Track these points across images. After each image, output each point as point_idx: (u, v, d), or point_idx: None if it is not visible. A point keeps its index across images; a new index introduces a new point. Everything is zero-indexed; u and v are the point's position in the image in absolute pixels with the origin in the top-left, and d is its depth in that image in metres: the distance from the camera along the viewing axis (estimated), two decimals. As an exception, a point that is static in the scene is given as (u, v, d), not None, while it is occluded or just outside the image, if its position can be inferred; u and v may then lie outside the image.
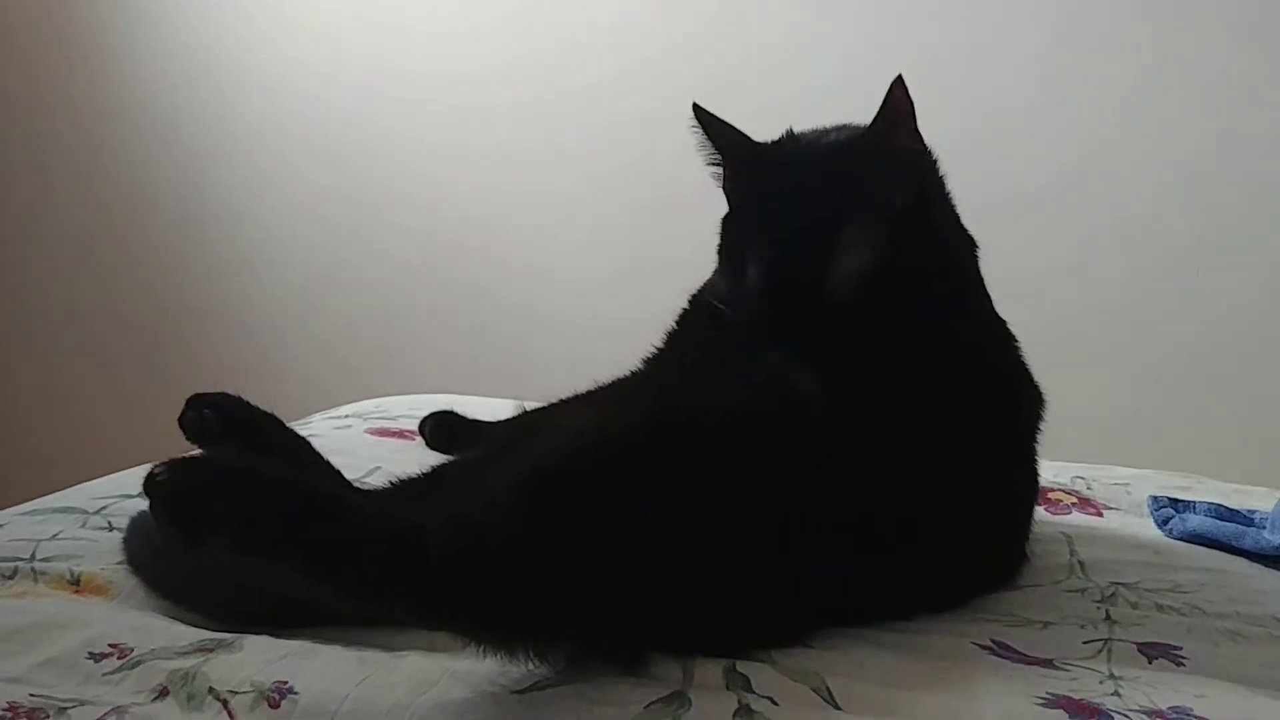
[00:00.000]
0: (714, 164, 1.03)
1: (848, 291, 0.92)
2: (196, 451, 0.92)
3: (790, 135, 1.03)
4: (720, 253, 1.03)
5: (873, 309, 0.93)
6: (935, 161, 1.03)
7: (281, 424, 0.98)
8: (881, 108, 0.95)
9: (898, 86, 0.94)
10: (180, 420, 0.93)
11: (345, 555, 0.66)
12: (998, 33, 1.96)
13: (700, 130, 1.01)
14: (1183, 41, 1.87)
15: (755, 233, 0.97)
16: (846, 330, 0.92)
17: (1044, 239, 1.92)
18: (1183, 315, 1.91)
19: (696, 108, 1.01)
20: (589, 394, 1.09)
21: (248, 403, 0.95)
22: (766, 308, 0.95)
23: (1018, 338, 1.05)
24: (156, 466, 0.63)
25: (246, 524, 0.63)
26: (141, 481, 0.64)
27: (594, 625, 0.74)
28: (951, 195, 1.04)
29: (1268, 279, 1.87)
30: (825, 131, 1.02)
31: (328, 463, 0.98)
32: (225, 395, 0.94)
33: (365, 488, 1.01)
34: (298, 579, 0.67)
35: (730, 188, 1.02)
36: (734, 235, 1.01)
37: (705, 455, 0.81)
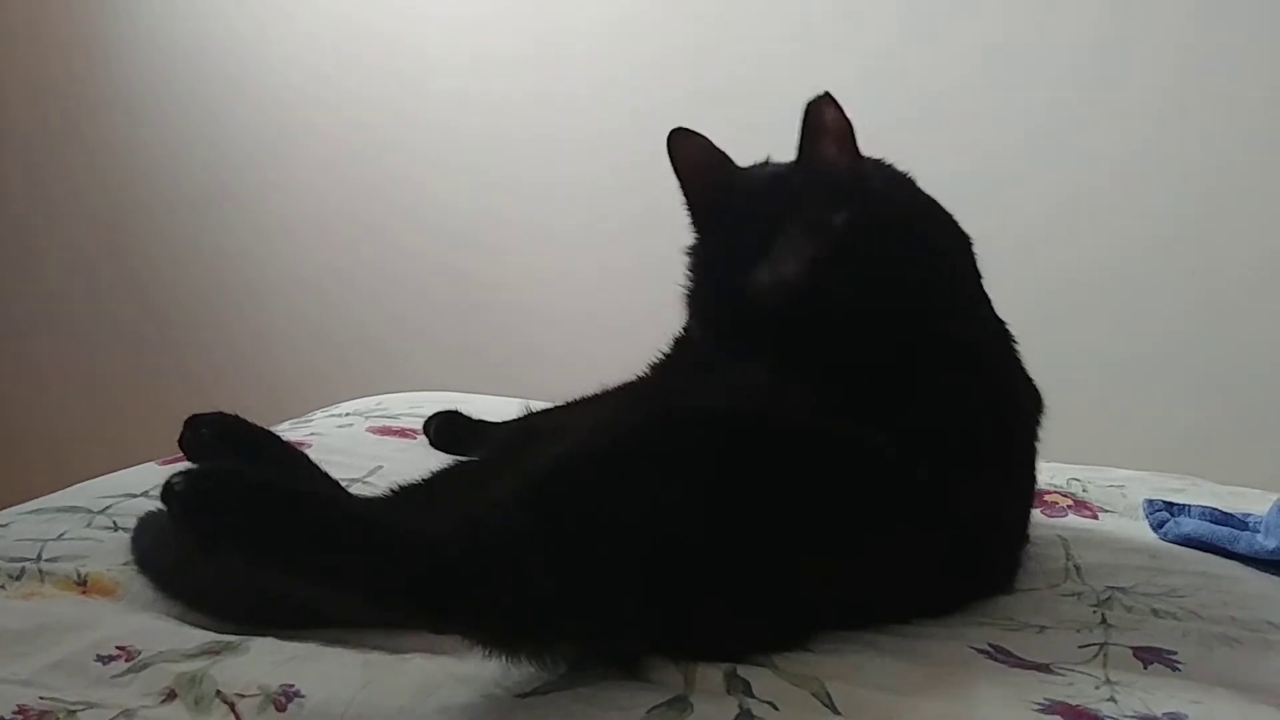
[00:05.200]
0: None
1: (775, 300, 0.95)
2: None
3: (757, 165, 1.06)
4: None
5: (810, 318, 0.95)
6: (905, 174, 1.03)
7: (279, 440, 0.99)
8: (804, 129, 0.96)
9: (826, 106, 0.95)
10: (179, 441, 0.94)
11: (356, 565, 0.67)
12: (1017, 39, 1.93)
13: (670, 161, 1.05)
14: (1218, 47, 1.85)
15: (703, 258, 1.03)
16: (791, 338, 0.95)
17: (1038, 241, 1.92)
18: (1179, 315, 1.91)
19: (670, 138, 1.04)
20: (594, 397, 1.10)
21: (245, 420, 0.96)
22: (705, 320, 1.01)
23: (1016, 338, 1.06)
24: (174, 476, 0.64)
25: (261, 536, 0.64)
26: (160, 490, 0.65)
27: (596, 628, 0.75)
28: (927, 200, 1.04)
29: (1264, 279, 1.87)
30: (770, 164, 1.05)
31: (326, 476, 0.99)
32: (222, 414, 0.95)
33: (369, 492, 1.01)
34: (310, 587, 0.68)
35: (690, 219, 1.07)
36: (691, 262, 1.05)
37: (705, 459, 0.82)
